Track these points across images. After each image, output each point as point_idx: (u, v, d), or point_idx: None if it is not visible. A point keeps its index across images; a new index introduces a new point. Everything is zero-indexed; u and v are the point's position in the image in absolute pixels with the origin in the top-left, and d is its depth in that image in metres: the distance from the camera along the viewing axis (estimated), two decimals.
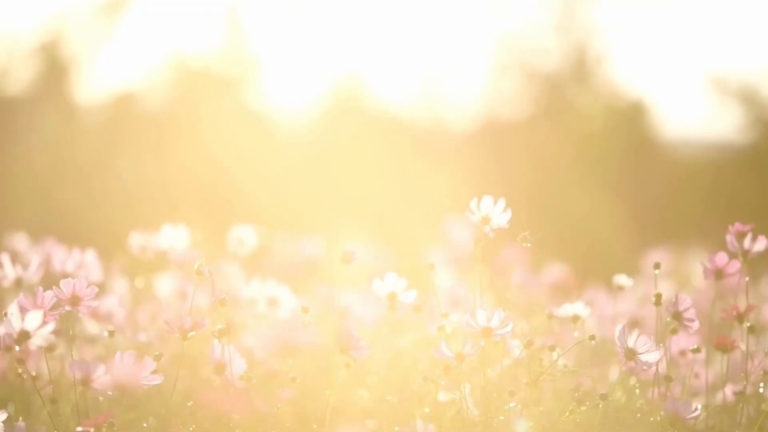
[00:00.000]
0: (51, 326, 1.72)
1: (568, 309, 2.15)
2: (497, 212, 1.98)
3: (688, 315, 1.98)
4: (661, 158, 8.71)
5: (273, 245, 3.58)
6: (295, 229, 4.55)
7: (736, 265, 2.06)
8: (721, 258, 2.06)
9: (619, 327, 1.90)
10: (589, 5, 8.93)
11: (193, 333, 1.87)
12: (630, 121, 8.64)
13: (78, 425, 1.77)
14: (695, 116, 10.97)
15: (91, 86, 8.39)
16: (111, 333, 2.14)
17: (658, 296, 1.98)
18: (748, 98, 8.73)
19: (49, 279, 2.31)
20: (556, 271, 3.08)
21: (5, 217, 6.97)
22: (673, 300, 1.97)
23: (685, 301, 1.98)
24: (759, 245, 2.04)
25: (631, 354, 1.89)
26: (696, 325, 1.97)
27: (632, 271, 2.58)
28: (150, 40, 9.79)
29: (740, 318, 2.07)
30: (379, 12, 10.09)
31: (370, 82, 8.91)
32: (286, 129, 8.73)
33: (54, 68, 8.15)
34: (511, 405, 1.93)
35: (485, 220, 1.98)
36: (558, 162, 8.24)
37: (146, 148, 7.99)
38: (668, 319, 1.98)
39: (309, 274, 3.41)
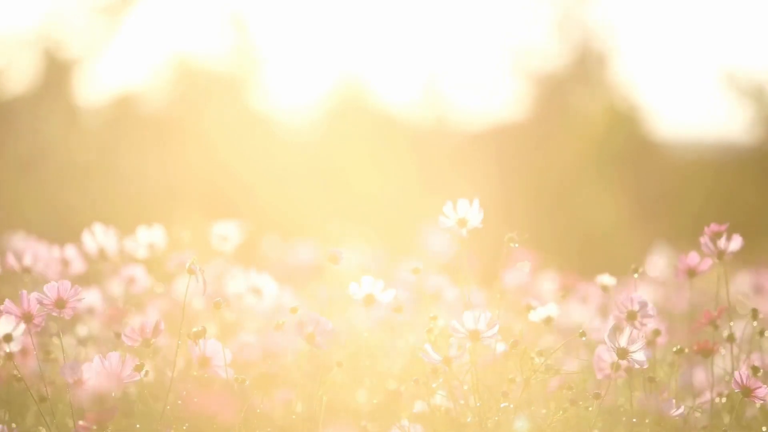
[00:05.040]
0: (22, 326, 1.72)
1: (541, 311, 2.11)
2: (473, 213, 1.95)
3: (645, 312, 1.93)
4: (662, 159, 8.70)
5: (275, 248, 3.57)
6: (297, 229, 4.54)
7: (707, 263, 2.04)
8: (693, 257, 2.05)
9: (608, 326, 1.87)
10: (591, 5, 8.92)
11: (154, 341, 1.85)
12: (632, 122, 8.63)
13: (72, 425, 1.77)
14: (697, 117, 10.96)
15: (93, 87, 8.40)
16: (117, 335, 2.15)
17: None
18: (754, 97, 8.70)
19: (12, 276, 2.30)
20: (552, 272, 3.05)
21: (6, 218, 6.97)
22: (625, 301, 1.93)
23: (639, 300, 1.94)
24: (734, 244, 2.03)
25: (623, 353, 1.86)
26: (651, 323, 1.93)
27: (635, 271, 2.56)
28: (152, 41, 9.78)
29: (714, 324, 2.05)
30: (381, 13, 10.09)
31: (372, 83, 8.91)
32: (289, 130, 8.72)
33: (55, 69, 8.15)
34: (503, 405, 1.92)
35: (462, 222, 1.96)
36: (560, 163, 8.23)
37: (148, 149, 7.98)
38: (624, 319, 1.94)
39: (311, 277, 3.40)
